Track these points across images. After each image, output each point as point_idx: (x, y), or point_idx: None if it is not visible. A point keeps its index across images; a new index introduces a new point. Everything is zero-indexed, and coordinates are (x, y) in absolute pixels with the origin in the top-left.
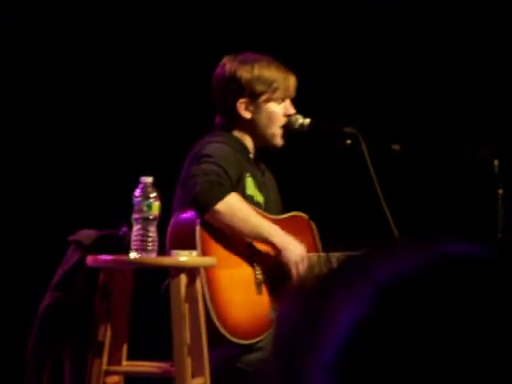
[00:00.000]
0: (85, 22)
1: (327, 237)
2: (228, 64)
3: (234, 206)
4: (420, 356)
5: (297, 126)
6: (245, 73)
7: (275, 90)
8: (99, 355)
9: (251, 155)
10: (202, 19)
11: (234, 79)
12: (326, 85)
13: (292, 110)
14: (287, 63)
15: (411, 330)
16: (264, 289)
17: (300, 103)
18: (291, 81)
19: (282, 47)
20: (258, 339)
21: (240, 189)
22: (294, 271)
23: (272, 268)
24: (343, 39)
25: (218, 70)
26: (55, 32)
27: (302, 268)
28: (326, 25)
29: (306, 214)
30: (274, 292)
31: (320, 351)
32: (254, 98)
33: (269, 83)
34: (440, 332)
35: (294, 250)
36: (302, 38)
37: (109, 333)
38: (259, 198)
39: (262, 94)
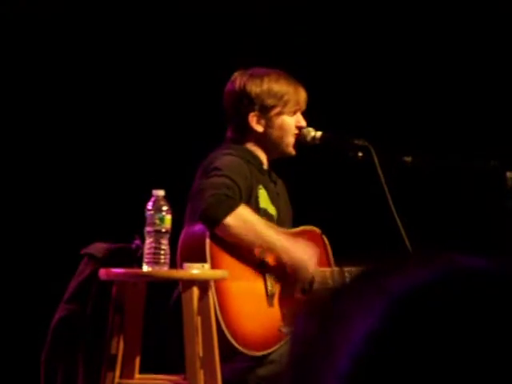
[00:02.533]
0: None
1: (339, 250)
2: (238, 78)
3: (243, 219)
4: (434, 367)
5: (308, 138)
6: (255, 87)
7: (286, 103)
8: (112, 368)
9: (264, 166)
10: (215, 38)
11: (244, 93)
12: (336, 97)
13: (303, 123)
14: (297, 76)
15: (425, 342)
16: (275, 301)
17: (311, 116)
18: (301, 94)
19: (292, 60)
20: (269, 351)
21: (253, 201)
22: (303, 286)
23: (283, 280)
24: (354, 51)
25: (229, 85)
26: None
27: (313, 283)
28: (336, 37)
29: (318, 226)
30: (285, 304)
31: (335, 363)
32: (265, 111)
33: (279, 96)
34: (453, 344)
35: (305, 264)
36: (312, 51)
37: (122, 346)
38: (272, 210)
39: (273, 107)
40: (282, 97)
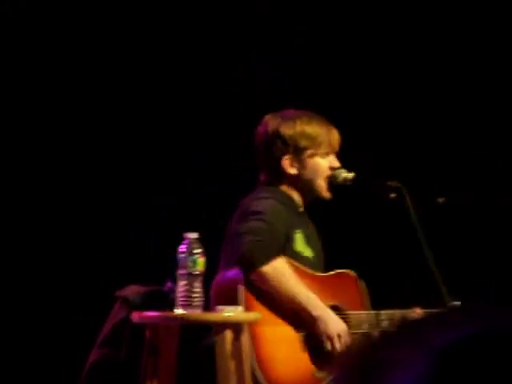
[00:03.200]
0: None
1: (374, 293)
2: (270, 122)
3: (279, 270)
4: None
5: (340, 180)
6: (288, 129)
7: (319, 144)
8: None
9: (300, 209)
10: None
11: (277, 136)
12: (368, 138)
13: (337, 164)
14: (328, 117)
15: None
16: (309, 346)
17: (342, 157)
18: (334, 135)
19: (322, 102)
20: None
21: (289, 244)
22: (327, 345)
23: (312, 330)
24: (382, 89)
25: (261, 129)
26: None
27: (338, 344)
28: (365, 76)
29: (351, 268)
30: (319, 350)
31: None
32: (298, 153)
33: (312, 138)
34: None
35: (331, 325)
36: (342, 91)
37: None
38: (308, 253)
39: (306, 149)
40: (315, 138)
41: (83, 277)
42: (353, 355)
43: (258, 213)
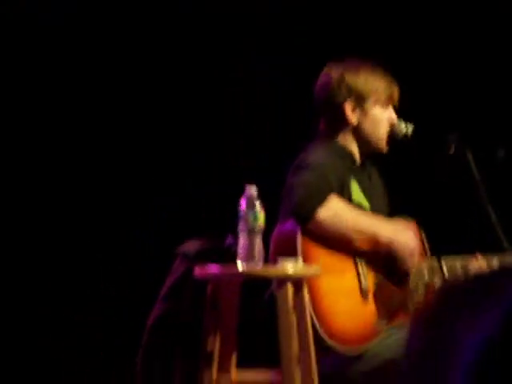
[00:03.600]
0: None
1: (433, 242)
2: (334, 68)
3: (335, 209)
4: None
5: (401, 133)
6: (352, 76)
7: (381, 95)
8: (209, 365)
9: (357, 161)
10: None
11: (341, 82)
12: (427, 90)
13: (395, 117)
14: (389, 68)
15: None
16: (370, 296)
17: (401, 109)
18: (394, 88)
19: (380, 54)
20: (364, 348)
21: (346, 195)
22: (409, 262)
23: (379, 275)
24: (440, 41)
25: (323, 76)
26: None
27: (415, 260)
28: (420, 28)
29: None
30: (380, 299)
31: (451, 368)
32: (360, 101)
33: (375, 88)
34: None
35: (405, 241)
36: (401, 45)
37: (218, 343)
38: (365, 203)
39: (368, 97)
40: (377, 88)
41: (145, 233)
42: (427, 306)
43: (310, 165)
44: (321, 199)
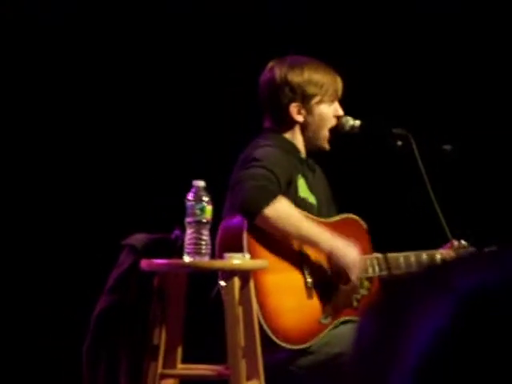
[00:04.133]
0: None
1: (379, 238)
2: (277, 68)
3: (282, 211)
4: (501, 364)
5: (347, 127)
6: (296, 76)
7: (326, 92)
8: (155, 358)
9: (302, 156)
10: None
11: (285, 83)
12: (374, 86)
13: (341, 112)
14: (334, 64)
15: (491, 339)
16: (314, 293)
17: (349, 104)
18: (339, 83)
19: (327, 48)
20: (309, 344)
21: (292, 191)
22: (352, 275)
23: (323, 272)
24: (389, 38)
25: (267, 74)
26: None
27: (357, 271)
28: (373, 24)
29: (358, 215)
30: (325, 296)
31: (402, 360)
32: (305, 100)
33: (320, 85)
34: None
35: (347, 254)
36: (348, 37)
37: (164, 336)
38: (312, 199)
39: (313, 96)
40: (322, 86)
41: (90, 225)
42: (377, 300)
43: (259, 160)
44: (269, 197)
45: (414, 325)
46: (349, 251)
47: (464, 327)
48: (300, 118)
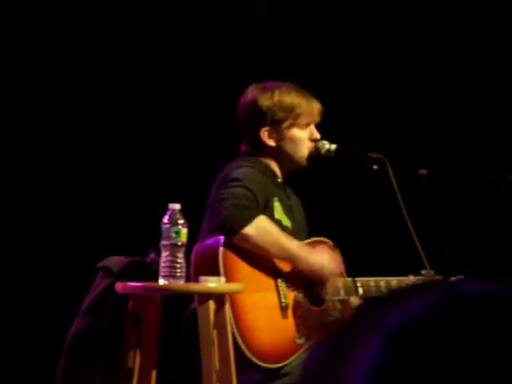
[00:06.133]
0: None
1: (353, 261)
2: (250, 92)
3: (262, 228)
4: None
5: (323, 151)
6: (265, 100)
7: (298, 115)
8: (129, 381)
9: (279, 180)
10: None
11: (255, 107)
12: (350, 110)
13: (317, 135)
14: (311, 90)
15: (422, 372)
16: (289, 312)
17: (326, 129)
18: (314, 106)
19: (305, 74)
20: (283, 363)
21: (268, 213)
22: (326, 288)
23: (298, 293)
24: (367, 64)
25: (242, 99)
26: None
27: (330, 270)
28: (349, 49)
29: (332, 238)
30: (299, 317)
31: None
32: (276, 125)
33: (290, 109)
34: (452, 372)
35: (321, 272)
36: (325, 62)
37: (138, 359)
38: (287, 222)
39: (283, 120)
40: (293, 109)
41: (66, 248)
42: (323, 336)
43: (237, 179)
44: (249, 216)
45: (354, 358)
46: (326, 266)
47: (394, 362)
48: (272, 143)
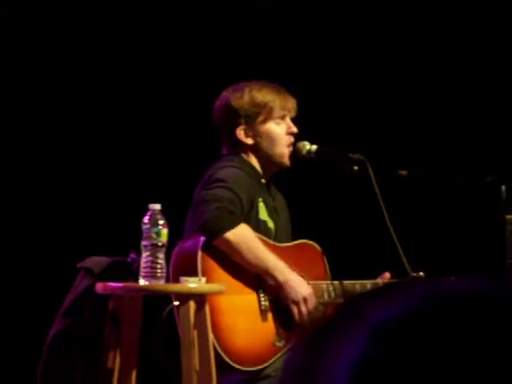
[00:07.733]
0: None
1: (335, 263)
2: (223, 95)
3: (244, 237)
4: None
5: (304, 152)
6: (237, 100)
7: (271, 109)
8: (109, 382)
9: (263, 180)
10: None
11: (228, 108)
12: (331, 111)
13: (294, 128)
14: (291, 89)
15: (405, 368)
16: (269, 316)
17: (306, 130)
18: (288, 99)
19: (285, 74)
20: (263, 366)
21: (253, 213)
22: (293, 310)
23: (277, 296)
24: (348, 65)
25: (216, 103)
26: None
27: (304, 308)
28: (332, 50)
29: (314, 239)
30: (279, 319)
31: None
32: (250, 122)
33: (263, 105)
34: (435, 367)
35: (297, 288)
36: (307, 64)
37: (118, 360)
38: (270, 224)
39: (257, 116)
40: (265, 104)
41: (46, 248)
42: (308, 327)
43: (222, 180)
44: (233, 221)
45: (333, 356)
46: (302, 285)
47: (377, 358)
48: (249, 141)
